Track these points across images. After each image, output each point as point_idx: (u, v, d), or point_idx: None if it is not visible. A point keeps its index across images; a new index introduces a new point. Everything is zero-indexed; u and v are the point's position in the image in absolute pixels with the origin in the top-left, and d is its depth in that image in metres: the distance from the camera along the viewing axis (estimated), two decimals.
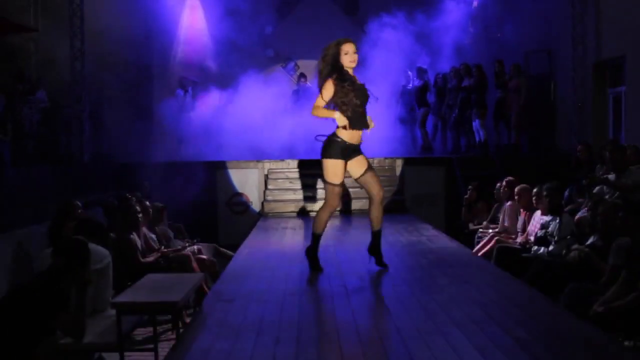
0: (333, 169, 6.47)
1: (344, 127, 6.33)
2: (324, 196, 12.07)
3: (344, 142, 6.41)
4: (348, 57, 6.33)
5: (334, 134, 6.47)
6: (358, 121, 6.41)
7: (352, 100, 6.32)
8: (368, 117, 6.53)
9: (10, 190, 9.76)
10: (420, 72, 15.48)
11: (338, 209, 6.42)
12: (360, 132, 6.49)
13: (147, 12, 16.32)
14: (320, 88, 6.45)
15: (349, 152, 6.48)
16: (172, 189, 12.17)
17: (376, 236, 6.68)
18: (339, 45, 6.35)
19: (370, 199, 6.60)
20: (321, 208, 6.73)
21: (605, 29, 12.99)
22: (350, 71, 6.42)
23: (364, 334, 4.69)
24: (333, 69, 6.35)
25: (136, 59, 16.17)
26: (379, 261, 6.72)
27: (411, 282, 6.34)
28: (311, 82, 15.53)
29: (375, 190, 6.51)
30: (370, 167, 6.59)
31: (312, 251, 6.76)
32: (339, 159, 6.46)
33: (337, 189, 6.52)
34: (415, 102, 15.44)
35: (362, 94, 6.43)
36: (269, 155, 14.23)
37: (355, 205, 11.94)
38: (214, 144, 15.28)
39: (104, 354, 5.89)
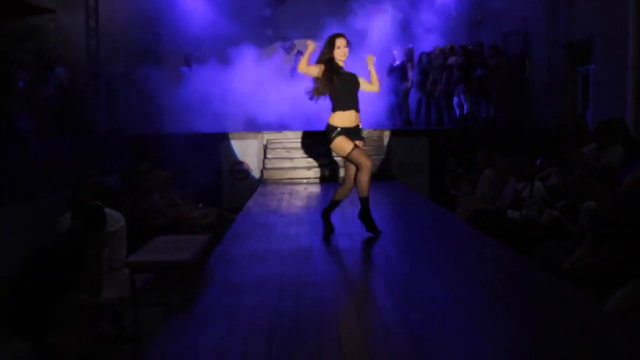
0: (340, 144, 6.49)
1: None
2: (317, 164, 12.31)
3: (336, 127, 6.50)
4: (339, 51, 6.52)
5: (328, 125, 6.59)
6: (344, 104, 6.52)
7: (337, 86, 6.46)
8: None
9: (33, 161, 9.72)
10: (408, 52, 15.45)
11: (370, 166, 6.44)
12: (351, 115, 6.54)
13: None
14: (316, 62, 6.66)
15: (346, 133, 6.51)
16: (180, 158, 12.15)
17: (363, 202, 6.58)
18: (334, 38, 6.56)
19: (357, 166, 6.49)
20: (358, 172, 6.52)
21: (576, 12, 12.92)
22: (341, 63, 6.57)
23: (356, 290, 4.72)
24: (328, 58, 6.54)
25: (146, 37, 16.07)
26: (369, 227, 6.61)
27: (398, 242, 6.36)
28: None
29: (363, 160, 6.44)
30: (356, 146, 6.56)
31: (326, 213, 6.90)
32: (340, 135, 6.50)
33: (356, 152, 6.45)
34: (399, 79, 15.40)
35: (348, 81, 6.55)
36: (267, 127, 14.23)
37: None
38: (217, 117, 15.26)
39: (119, 308, 5.93)
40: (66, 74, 13.54)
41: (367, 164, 6.43)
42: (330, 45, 6.56)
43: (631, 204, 5.44)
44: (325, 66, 6.51)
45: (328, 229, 6.79)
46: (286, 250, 5.99)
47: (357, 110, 6.60)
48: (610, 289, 4.70)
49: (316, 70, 6.51)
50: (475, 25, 16.22)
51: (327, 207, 6.89)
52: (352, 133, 6.54)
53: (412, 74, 15.40)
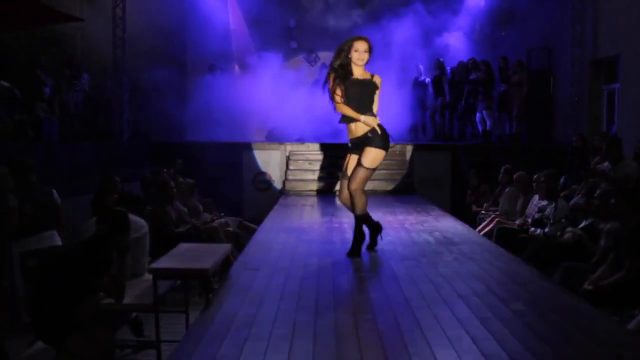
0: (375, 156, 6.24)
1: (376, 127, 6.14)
2: (340, 177, 12.30)
3: (349, 138, 6.34)
4: (357, 54, 6.11)
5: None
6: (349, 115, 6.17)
7: (347, 94, 6.13)
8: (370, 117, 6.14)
9: (58, 165, 9.83)
10: (439, 65, 15.48)
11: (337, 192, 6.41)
12: (358, 125, 6.17)
13: (183, 2, 16.38)
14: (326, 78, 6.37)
15: (354, 146, 6.31)
16: (202, 167, 12.24)
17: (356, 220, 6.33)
18: (352, 41, 6.18)
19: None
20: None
21: (601, 29, 12.87)
22: (359, 68, 6.18)
23: (375, 303, 4.71)
24: (340, 64, 6.17)
25: (172, 46, 16.22)
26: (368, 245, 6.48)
27: (419, 257, 6.34)
28: None
29: (350, 184, 6.20)
30: (358, 163, 6.23)
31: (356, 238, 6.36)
32: (348, 153, 6.43)
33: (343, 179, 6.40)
34: (433, 93, 15.44)
35: (361, 90, 6.17)
36: (289, 138, 14.28)
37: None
38: (240, 127, 15.37)
39: (140, 314, 5.97)
40: (89, 82, 13.70)
41: (351, 187, 6.19)
42: (348, 46, 6.16)
43: None
44: (335, 74, 6.20)
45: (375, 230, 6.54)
46: (307, 262, 6.01)
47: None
48: (632, 309, 4.66)
49: (332, 85, 6.22)
50: (499, 40, 16.23)
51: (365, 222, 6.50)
52: (358, 145, 6.25)
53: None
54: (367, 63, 6.20)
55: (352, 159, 6.33)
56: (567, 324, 4.23)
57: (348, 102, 6.12)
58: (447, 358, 3.57)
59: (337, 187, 12.10)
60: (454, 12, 16.75)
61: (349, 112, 6.10)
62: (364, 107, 6.13)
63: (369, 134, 6.16)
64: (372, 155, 6.17)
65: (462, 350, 3.66)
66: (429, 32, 16.15)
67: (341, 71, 6.13)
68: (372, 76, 6.25)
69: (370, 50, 6.17)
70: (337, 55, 6.20)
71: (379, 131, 6.16)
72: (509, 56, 14.72)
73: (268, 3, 16.54)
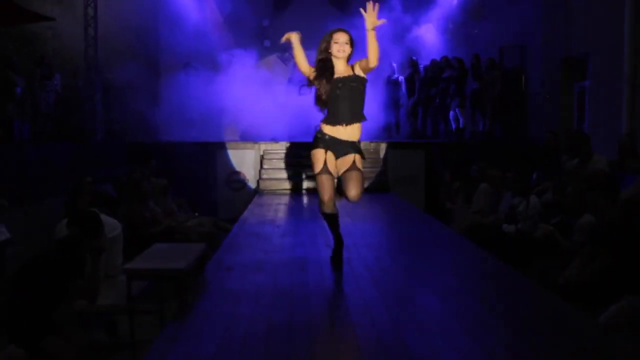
0: (313, 158, 5.67)
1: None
2: (312, 175, 12.32)
3: (324, 135, 5.62)
4: (337, 46, 5.51)
5: (318, 129, 5.73)
6: (335, 116, 5.56)
7: (327, 92, 5.53)
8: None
9: (29, 166, 9.74)
10: (412, 63, 15.56)
11: (329, 202, 5.57)
12: (346, 127, 5.56)
13: (156, 2, 16.30)
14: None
15: (332, 144, 5.60)
16: (176, 166, 12.18)
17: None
18: (331, 33, 5.63)
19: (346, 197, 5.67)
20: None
21: (572, 28, 13.02)
22: (341, 62, 5.58)
23: (350, 301, 4.74)
24: (319, 59, 5.62)
25: (144, 46, 16.13)
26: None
27: (394, 254, 6.39)
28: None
29: (351, 193, 5.51)
30: (354, 168, 5.55)
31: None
32: (318, 148, 5.66)
33: (319, 178, 5.62)
34: (406, 92, 15.52)
35: (350, 89, 5.54)
36: (263, 137, 14.28)
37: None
38: (214, 126, 15.33)
39: (115, 315, 5.93)
40: (61, 82, 13.58)
41: (321, 199, 5.63)
42: (328, 39, 5.62)
43: (629, 217, 5.49)
44: (316, 68, 5.61)
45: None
46: (281, 260, 6.02)
47: (354, 123, 5.57)
48: (604, 303, 4.73)
49: (306, 69, 5.62)
50: (471, 38, 16.35)
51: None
52: (340, 144, 5.61)
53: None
54: (350, 57, 5.62)
55: (330, 157, 5.62)
56: (540, 318, 4.29)
57: (336, 104, 5.52)
58: (422, 354, 3.59)
59: (306, 186, 12.23)
60: (427, 9, 16.85)
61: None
62: (356, 108, 5.55)
63: (358, 143, 5.65)
64: (362, 162, 5.67)
65: (438, 346, 3.69)
66: (402, 29, 16.25)
67: (321, 65, 5.57)
68: (353, 67, 5.59)
69: (351, 42, 5.58)
70: (318, 52, 5.67)
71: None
72: (483, 54, 14.82)
73: (242, 2, 16.49)
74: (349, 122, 5.54)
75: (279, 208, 9.99)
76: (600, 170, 7.93)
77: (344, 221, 7.47)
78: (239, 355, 3.61)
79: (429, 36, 16.95)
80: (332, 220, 5.76)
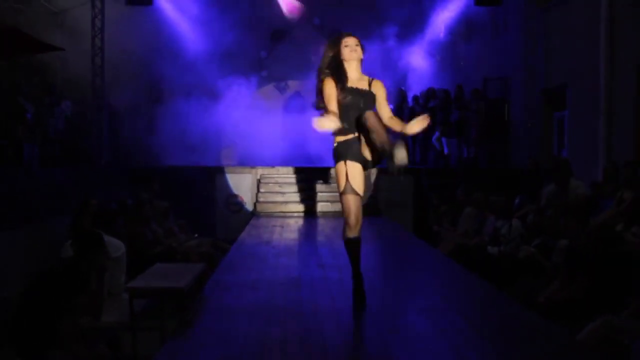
0: (337, 174, 4.91)
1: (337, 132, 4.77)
2: (308, 198, 12.38)
3: (341, 143, 4.85)
4: (348, 49, 4.80)
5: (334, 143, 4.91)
6: (351, 125, 4.78)
7: (344, 103, 4.76)
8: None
9: (38, 188, 9.73)
10: (401, 93, 15.67)
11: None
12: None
13: (160, 34, 16.41)
14: (319, 86, 4.88)
15: (344, 150, 4.82)
16: (177, 190, 12.19)
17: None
18: (340, 38, 4.88)
19: None
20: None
21: (552, 61, 13.15)
22: (353, 68, 4.86)
23: (341, 317, 4.73)
24: (330, 66, 4.85)
25: (148, 74, 16.22)
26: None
27: (383, 274, 6.39)
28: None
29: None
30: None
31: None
32: (339, 162, 4.85)
33: (342, 197, 4.83)
34: None
35: (363, 99, 4.83)
36: (261, 162, 14.32)
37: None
38: (214, 151, 15.38)
39: (118, 332, 5.91)
40: (70, 108, 13.62)
41: (347, 222, 4.87)
42: (334, 46, 4.86)
43: (602, 241, 5.53)
44: (330, 76, 4.81)
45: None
46: (276, 280, 6.02)
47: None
48: (582, 321, 4.75)
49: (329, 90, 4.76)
50: (456, 70, 16.49)
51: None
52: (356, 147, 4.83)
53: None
54: (361, 61, 4.93)
55: (357, 170, 4.84)
56: (521, 336, 4.30)
57: (346, 113, 4.74)
58: None
59: (301, 209, 12.21)
60: (416, 37, 17.03)
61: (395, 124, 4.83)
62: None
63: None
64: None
65: None
66: (393, 58, 16.41)
67: (335, 70, 4.82)
68: (371, 82, 4.93)
69: (361, 45, 4.89)
70: (325, 58, 4.89)
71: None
72: (468, 84, 14.95)
73: (241, 35, 16.60)
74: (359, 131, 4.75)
75: (274, 230, 9.99)
76: (581, 194, 7.98)
77: (336, 243, 7.51)
78: None
79: (418, 64, 17.11)
80: (354, 247, 4.91)
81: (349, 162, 4.79)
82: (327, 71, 4.84)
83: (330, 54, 4.85)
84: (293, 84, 17.55)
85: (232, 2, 16.74)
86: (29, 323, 4.48)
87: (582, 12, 11.67)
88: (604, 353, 4.28)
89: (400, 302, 5.19)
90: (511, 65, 14.82)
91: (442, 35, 17.17)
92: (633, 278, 4.96)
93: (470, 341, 4.11)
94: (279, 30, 18.50)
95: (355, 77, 4.89)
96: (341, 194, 4.82)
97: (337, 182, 4.86)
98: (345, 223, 4.85)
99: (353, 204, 4.79)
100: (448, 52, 17.04)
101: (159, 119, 15.59)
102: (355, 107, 4.76)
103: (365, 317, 4.69)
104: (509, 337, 4.27)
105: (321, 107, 4.81)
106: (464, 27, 16.56)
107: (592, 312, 4.77)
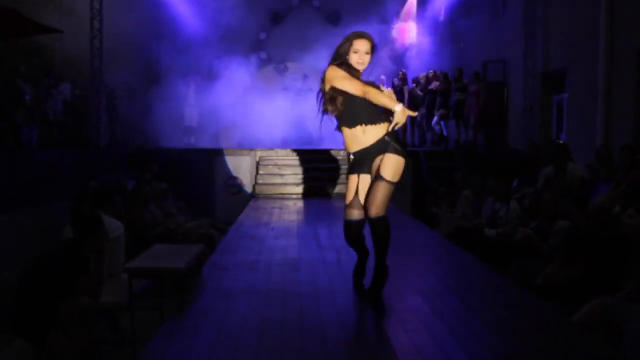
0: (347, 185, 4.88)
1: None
2: (306, 180, 12.39)
3: (349, 154, 4.76)
4: (356, 56, 4.59)
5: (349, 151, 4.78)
6: (352, 117, 4.61)
7: (348, 103, 4.57)
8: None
9: (38, 171, 9.74)
10: (402, 76, 15.65)
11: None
12: (362, 130, 4.60)
13: (158, 16, 16.34)
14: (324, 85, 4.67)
15: (361, 160, 4.70)
16: (177, 171, 12.20)
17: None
18: (351, 39, 4.62)
19: None
20: None
21: (551, 44, 13.11)
22: (357, 74, 4.66)
23: (339, 298, 4.76)
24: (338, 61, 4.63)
25: (147, 56, 16.18)
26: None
27: None
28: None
29: (371, 209, 4.62)
30: (377, 177, 4.58)
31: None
32: (349, 174, 4.83)
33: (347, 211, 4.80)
34: None
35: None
36: (260, 144, 14.33)
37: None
38: (213, 133, 15.38)
39: (117, 312, 5.94)
40: (69, 90, 13.58)
41: (373, 212, 4.63)
42: (346, 47, 4.62)
43: (599, 224, 5.55)
44: (340, 65, 4.61)
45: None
46: (274, 261, 6.04)
47: (373, 122, 4.58)
48: (578, 303, 4.77)
49: (336, 76, 4.57)
50: (456, 52, 16.45)
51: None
52: (367, 156, 4.65)
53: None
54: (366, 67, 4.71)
55: (363, 180, 4.72)
56: (518, 317, 4.32)
57: (352, 112, 4.58)
58: (405, 350, 3.62)
59: (299, 191, 12.20)
60: (417, 23, 16.98)
61: (378, 97, 4.42)
62: (375, 116, 4.60)
63: (387, 138, 4.57)
64: (395, 164, 4.54)
65: (420, 344, 3.72)
66: (392, 39, 16.37)
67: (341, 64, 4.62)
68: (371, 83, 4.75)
69: (372, 51, 4.66)
70: (334, 55, 4.69)
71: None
72: (468, 67, 14.91)
73: (239, 17, 16.54)
74: (364, 121, 4.58)
75: (273, 212, 10.00)
76: (578, 177, 7.98)
77: (335, 224, 7.53)
78: (233, 350, 3.63)
79: (417, 43, 17.09)
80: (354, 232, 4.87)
81: (362, 176, 4.73)
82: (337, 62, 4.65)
83: (341, 52, 4.65)
84: (292, 66, 17.53)
85: None
86: (30, 304, 4.52)
87: None
88: (599, 333, 4.31)
89: (398, 283, 5.20)
90: (510, 48, 14.77)
91: (442, 15, 17.11)
92: (629, 261, 4.97)
93: (467, 322, 4.14)
94: (279, 12, 18.44)
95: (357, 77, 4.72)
96: (346, 207, 4.85)
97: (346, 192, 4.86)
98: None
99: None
100: (447, 33, 16.97)
101: (156, 100, 15.59)
102: (363, 105, 4.55)
103: (363, 298, 4.71)
104: (505, 317, 4.29)
105: (328, 110, 4.62)
106: (463, 8, 16.48)
107: (589, 294, 4.79)
